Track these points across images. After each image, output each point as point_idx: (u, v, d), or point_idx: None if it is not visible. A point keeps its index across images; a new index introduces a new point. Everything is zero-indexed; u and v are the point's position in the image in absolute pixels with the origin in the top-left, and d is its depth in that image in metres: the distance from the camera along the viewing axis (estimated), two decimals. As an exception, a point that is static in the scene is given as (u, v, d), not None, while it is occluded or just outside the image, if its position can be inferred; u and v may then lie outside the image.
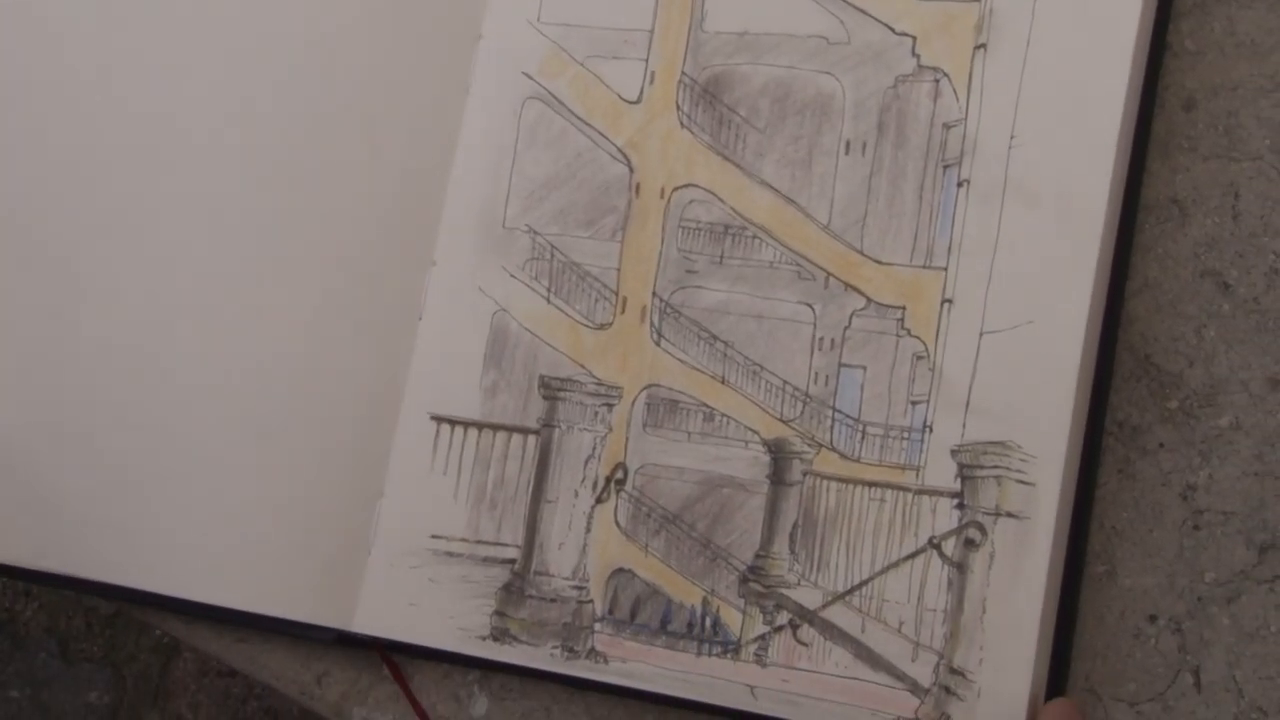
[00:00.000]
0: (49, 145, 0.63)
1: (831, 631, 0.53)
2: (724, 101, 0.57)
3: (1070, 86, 0.53)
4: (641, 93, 0.58)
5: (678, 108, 0.57)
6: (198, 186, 0.61)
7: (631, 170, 0.58)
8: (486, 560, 0.58)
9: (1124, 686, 0.53)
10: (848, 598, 0.53)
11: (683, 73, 0.57)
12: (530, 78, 0.59)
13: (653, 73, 0.58)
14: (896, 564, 0.52)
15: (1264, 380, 0.53)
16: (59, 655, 1.44)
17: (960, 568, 0.51)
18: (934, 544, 0.52)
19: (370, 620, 0.59)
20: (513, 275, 0.59)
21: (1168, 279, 0.54)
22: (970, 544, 0.51)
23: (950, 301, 0.53)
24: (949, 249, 0.53)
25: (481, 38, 0.60)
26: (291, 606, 0.59)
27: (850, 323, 0.55)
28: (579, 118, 0.59)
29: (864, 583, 0.53)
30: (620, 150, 0.58)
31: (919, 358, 0.53)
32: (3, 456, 0.61)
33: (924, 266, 0.54)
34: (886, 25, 0.55)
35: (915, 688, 0.51)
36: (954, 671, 0.51)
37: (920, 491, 0.52)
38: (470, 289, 0.59)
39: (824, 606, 0.53)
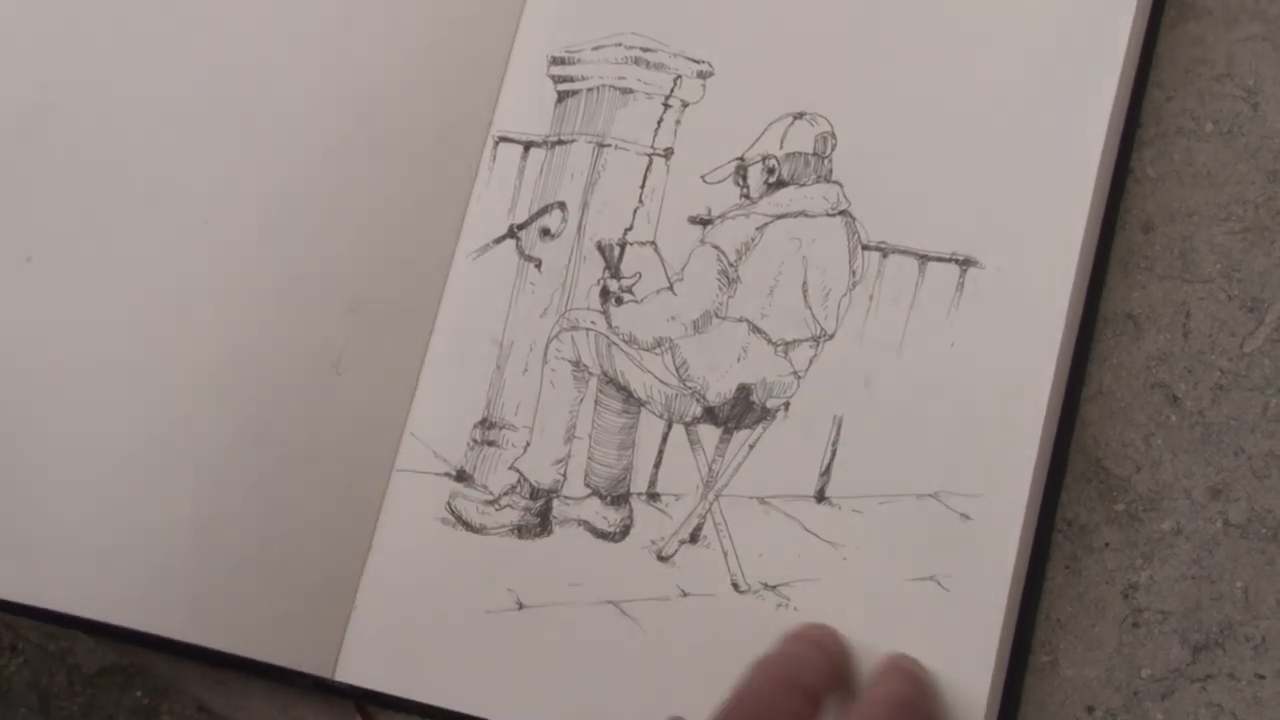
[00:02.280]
0: (41, 146, 0.64)
1: None
2: None
3: (1037, 212, 0.56)
4: None
5: None
6: (220, 244, 0.63)
7: None
8: None
9: (1060, 773, 0.55)
10: None
11: None
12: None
13: None
14: None
15: (1205, 489, 0.56)
16: (39, 711, 1.44)
17: None
18: None
19: (351, 670, 0.61)
20: None
21: (1120, 388, 0.57)
22: None
23: None
24: None
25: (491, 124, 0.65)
26: (276, 651, 0.61)
27: None
28: None
29: None
30: None
31: None
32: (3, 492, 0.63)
33: None
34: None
35: None
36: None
37: None
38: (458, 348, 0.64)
39: None
